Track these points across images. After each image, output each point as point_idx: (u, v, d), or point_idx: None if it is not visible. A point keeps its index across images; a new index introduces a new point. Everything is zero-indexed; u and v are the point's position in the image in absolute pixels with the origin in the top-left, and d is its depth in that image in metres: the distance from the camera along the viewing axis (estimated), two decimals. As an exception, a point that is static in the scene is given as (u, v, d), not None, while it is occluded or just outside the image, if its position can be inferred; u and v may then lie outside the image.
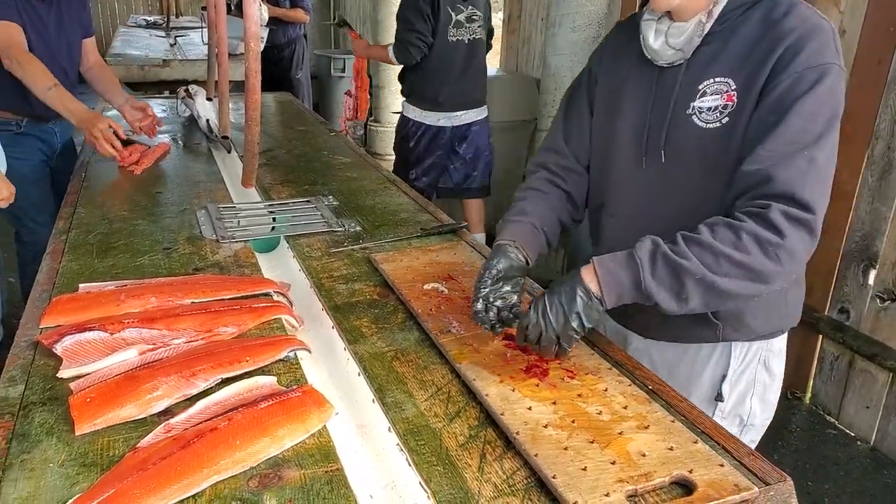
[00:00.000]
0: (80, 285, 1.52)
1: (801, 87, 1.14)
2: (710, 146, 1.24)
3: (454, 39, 3.52)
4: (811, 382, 3.00)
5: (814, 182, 1.13)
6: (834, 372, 2.88)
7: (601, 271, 1.17)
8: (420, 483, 0.99)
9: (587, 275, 1.19)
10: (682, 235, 1.16)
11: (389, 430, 1.11)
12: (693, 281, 1.12)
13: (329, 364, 1.33)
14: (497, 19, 4.31)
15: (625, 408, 1.13)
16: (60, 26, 2.64)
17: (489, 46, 3.84)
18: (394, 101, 6.62)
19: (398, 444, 1.07)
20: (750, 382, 1.44)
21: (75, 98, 2.48)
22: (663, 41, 1.28)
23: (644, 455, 1.02)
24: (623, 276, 1.17)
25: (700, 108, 1.24)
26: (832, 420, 2.90)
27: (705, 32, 1.23)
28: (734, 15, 1.22)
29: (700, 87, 1.24)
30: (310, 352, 1.33)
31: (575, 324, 1.17)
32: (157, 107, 3.53)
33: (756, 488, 0.96)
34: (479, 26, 3.61)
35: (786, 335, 1.46)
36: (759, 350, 1.42)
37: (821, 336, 2.91)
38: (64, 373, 1.21)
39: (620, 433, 1.07)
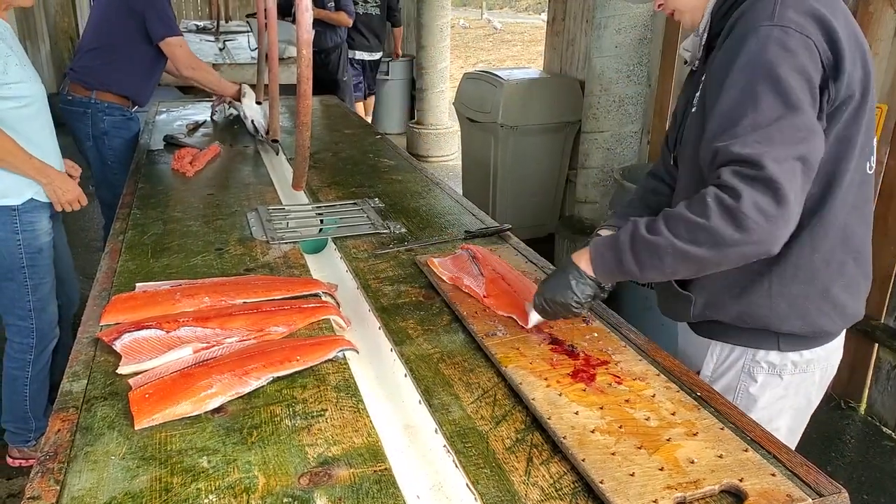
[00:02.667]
0: (137, 284, 1.58)
1: (728, 57, 1.16)
2: (692, 132, 1.29)
3: (359, 11, 5.99)
4: (866, 392, 2.91)
5: (758, 141, 1.09)
6: (890, 381, 2.80)
7: (594, 254, 1.27)
8: (467, 485, 1.00)
9: (582, 256, 1.29)
10: (664, 212, 1.18)
11: (436, 431, 1.12)
12: (669, 255, 1.15)
13: (376, 365, 1.36)
14: (540, 20, 4.69)
15: (673, 414, 1.12)
16: None
17: (391, 18, 6.61)
18: (438, 103, 6.66)
19: (445, 446, 1.08)
20: (727, 389, 1.37)
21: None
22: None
23: (693, 462, 1.01)
24: (610, 259, 1.24)
25: (693, 101, 1.30)
26: (889, 431, 2.81)
27: (702, 37, 1.31)
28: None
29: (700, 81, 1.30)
30: (357, 352, 1.35)
31: (573, 301, 1.28)
32: (207, 110, 3.61)
33: (810, 499, 0.94)
34: (372, 6, 6.19)
35: (783, 354, 1.33)
36: (745, 359, 1.35)
37: (876, 344, 2.82)
38: (123, 369, 1.25)
39: (669, 439, 1.06)
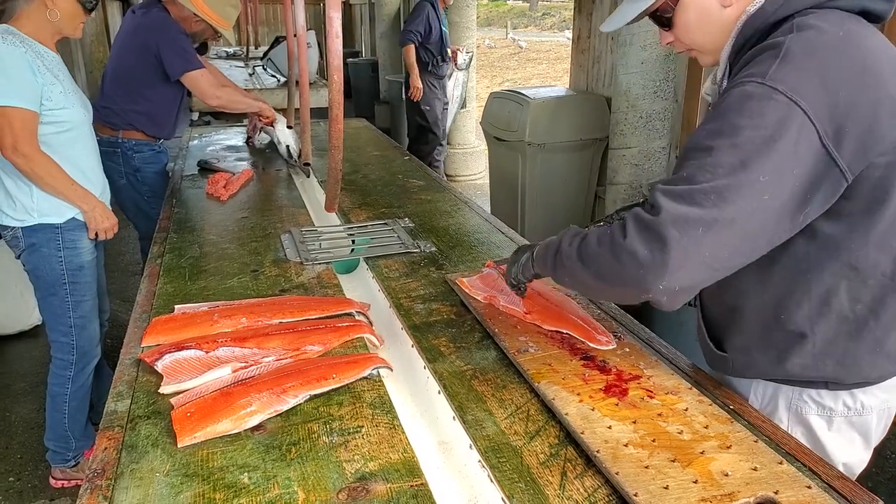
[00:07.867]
0: (176, 307, 1.62)
1: (716, 104, 1.12)
2: None
3: None
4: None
5: (673, 191, 1.06)
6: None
7: (539, 249, 1.37)
8: (503, 499, 1.01)
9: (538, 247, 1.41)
10: (591, 229, 1.23)
11: (471, 446, 1.13)
12: (568, 270, 1.23)
13: (410, 382, 1.38)
14: (565, 38, 4.53)
15: (706, 427, 1.13)
16: None
17: None
18: (465, 123, 6.71)
19: (480, 461, 1.09)
20: None
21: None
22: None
23: (727, 475, 1.01)
24: (542, 257, 1.35)
25: None
26: (931, 445, 2.75)
27: (721, 76, 1.23)
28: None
29: None
30: (391, 370, 1.37)
31: (511, 279, 1.49)
32: (238, 135, 3.70)
33: (847, 511, 0.94)
34: None
35: (834, 394, 1.21)
36: (790, 396, 1.25)
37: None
38: (165, 389, 1.29)
39: (702, 452, 1.06)
